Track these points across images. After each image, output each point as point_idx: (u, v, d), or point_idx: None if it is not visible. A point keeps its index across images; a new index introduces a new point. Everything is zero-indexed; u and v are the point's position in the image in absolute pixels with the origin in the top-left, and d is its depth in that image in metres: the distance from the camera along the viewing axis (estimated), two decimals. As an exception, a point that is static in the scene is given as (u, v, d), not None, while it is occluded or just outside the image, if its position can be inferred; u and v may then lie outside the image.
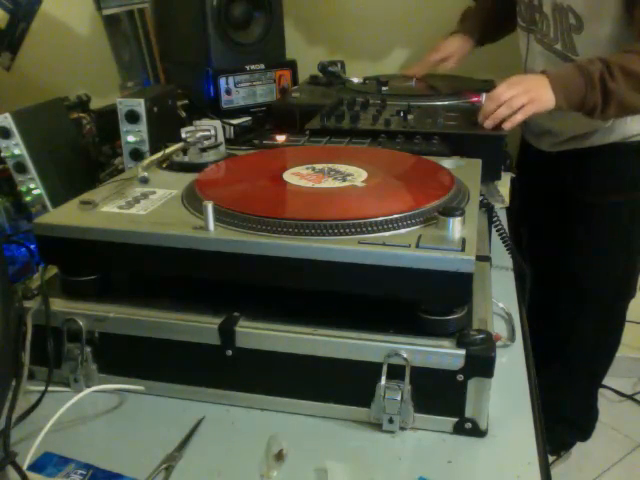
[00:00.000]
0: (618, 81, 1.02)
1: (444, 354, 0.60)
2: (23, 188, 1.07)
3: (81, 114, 1.29)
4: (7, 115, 1.03)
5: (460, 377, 0.60)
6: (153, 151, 0.99)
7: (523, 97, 1.05)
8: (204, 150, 0.92)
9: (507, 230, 0.96)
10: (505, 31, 1.46)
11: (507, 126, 1.07)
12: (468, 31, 1.47)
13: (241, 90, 1.56)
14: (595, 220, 1.34)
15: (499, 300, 0.82)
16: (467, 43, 1.46)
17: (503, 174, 1.19)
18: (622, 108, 1.06)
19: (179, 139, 0.93)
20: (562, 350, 1.51)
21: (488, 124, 1.09)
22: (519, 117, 1.06)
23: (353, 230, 0.63)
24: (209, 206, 0.64)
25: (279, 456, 0.59)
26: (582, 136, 1.27)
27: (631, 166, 1.28)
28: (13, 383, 0.63)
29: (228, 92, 1.54)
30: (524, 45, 1.33)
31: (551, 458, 1.68)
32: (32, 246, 0.80)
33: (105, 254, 0.68)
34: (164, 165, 0.90)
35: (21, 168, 1.06)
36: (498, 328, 0.76)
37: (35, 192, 1.07)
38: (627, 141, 1.24)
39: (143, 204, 0.73)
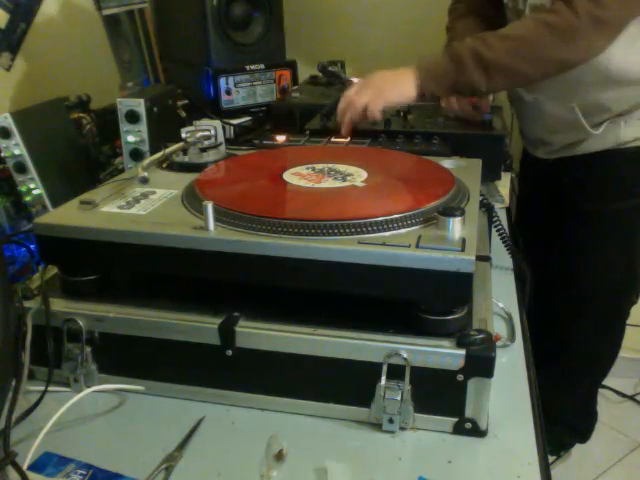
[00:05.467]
0: (495, 49, 1.00)
1: (444, 354, 0.60)
2: (23, 188, 1.07)
3: (81, 114, 1.29)
4: (7, 115, 1.03)
5: (460, 377, 0.60)
6: (153, 151, 0.99)
7: (366, 94, 1.05)
8: (204, 150, 0.92)
9: (507, 230, 0.96)
10: None
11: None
12: None
13: (241, 90, 1.56)
14: (595, 225, 1.33)
15: (499, 300, 0.82)
16: None
17: (503, 174, 1.20)
18: (509, 76, 1.04)
19: (179, 139, 0.93)
20: (562, 352, 1.51)
21: (343, 131, 1.10)
22: (371, 113, 1.06)
23: (353, 230, 0.63)
24: (209, 206, 0.64)
25: (279, 456, 0.59)
26: (573, 144, 1.26)
27: (628, 172, 1.27)
28: (13, 383, 0.63)
29: (228, 92, 1.54)
30: None
31: (551, 458, 1.68)
32: (32, 246, 0.80)
33: (105, 254, 0.68)
34: (164, 165, 0.90)
35: (21, 168, 1.06)
36: (498, 328, 0.76)
37: (35, 192, 1.07)
38: (621, 147, 1.23)
39: (143, 204, 0.73)
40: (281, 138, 1.11)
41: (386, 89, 1.05)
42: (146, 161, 0.88)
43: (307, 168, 0.82)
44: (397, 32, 1.79)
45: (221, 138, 0.97)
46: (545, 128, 1.29)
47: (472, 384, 0.60)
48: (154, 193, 0.77)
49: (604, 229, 1.32)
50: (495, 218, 0.90)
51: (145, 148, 1.10)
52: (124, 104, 1.08)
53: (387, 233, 0.64)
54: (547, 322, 1.43)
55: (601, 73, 1.11)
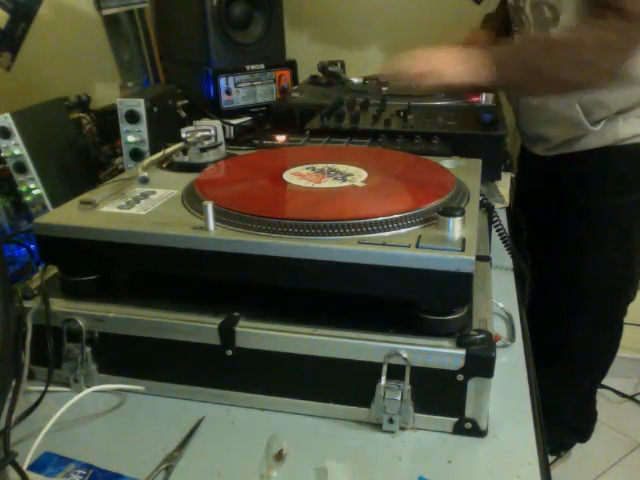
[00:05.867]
0: (545, 56, 1.01)
1: (444, 354, 0.60)
2: (23, 188, 1.07)
3: (81, 114, 1.30)
4: (7, 115, 1.03)
5: (460, 377, 0.60)
6: (153, 151, 0.99)
7: (425, 66, 1.04)
8: (204, 150, 0.92)
9: (507, 230, 0.96)
10: None
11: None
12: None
13: (241, 90, 1.56)
14: (594, 221, 1.33)
15: (499, 300, 0.82)
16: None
17: (503, 174, 1.20)
18: (554, 84, 1.04)
19: (179, 139, 0.93)
20: (561, 349, 1.51)
21: (384, 71, 1.09)
22: (421, 82, 1.05)
23: (353, 230, 0.63)
24: (209, 206, 0.64)
25: (279, 456, 0.59)
26: (572, 140, 1.27)
27: (626, 169, 1.28)
28: (13, 383, 0.63)
29: (228, 92, 1.54)
30: None
31: (551, 458, 1.68)
32: (32, 246, 0.80)
33: (105, 254, 0.68)
34: (164, 165, 0.91)
35: (21, 168, 1.06)
36: (498, 328, 0.76)
37: (35, 192, 1.07)
38: (620, 144, 1.23)
39: (143, 204, 0.73)
40: (281, 138, 1.11)
41: (443, 70, 1.03)
42: (146, 161, 0.88)
43: (307, 168, 0.82)
44: (397, 32, 1.79)
45: (221, 138, 0.97)
46: (544, 124, 1.29)
47: (472, 384, 0.60)
48: (154, 193, 0.77)
49: (602, 225, 1.33)
50: (495, 218, 0.90)
51: (145, 148, 1.10)
52: (124, 104, 1.08)
53: (387, 233, 0.64)
54: (547, 319, 1.43)
55: None
